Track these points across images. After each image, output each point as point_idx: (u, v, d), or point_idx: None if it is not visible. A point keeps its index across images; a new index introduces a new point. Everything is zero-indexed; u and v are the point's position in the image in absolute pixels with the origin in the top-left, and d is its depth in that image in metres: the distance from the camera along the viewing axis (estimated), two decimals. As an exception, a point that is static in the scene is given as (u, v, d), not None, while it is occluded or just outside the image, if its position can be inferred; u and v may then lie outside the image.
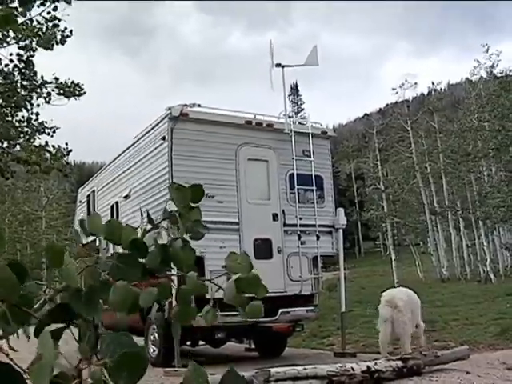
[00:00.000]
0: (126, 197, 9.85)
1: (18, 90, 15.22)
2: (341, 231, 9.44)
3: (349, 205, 49.57)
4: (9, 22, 1.72)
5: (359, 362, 6.21)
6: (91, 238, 1.33)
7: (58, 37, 15.05)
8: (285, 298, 8.61)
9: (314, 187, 9.24)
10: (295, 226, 8.94)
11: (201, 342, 9.53)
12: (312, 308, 9.14)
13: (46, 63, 15.76)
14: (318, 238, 9.11)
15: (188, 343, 9.19)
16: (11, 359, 0.98)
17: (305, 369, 5.66)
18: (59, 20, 14.81)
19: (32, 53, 15.03)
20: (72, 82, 15.71)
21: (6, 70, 15.06)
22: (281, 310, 8.48)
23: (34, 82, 15.33)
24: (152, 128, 8.95)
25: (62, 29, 15.04)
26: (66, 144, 16.01)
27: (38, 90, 15.41)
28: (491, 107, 24.21)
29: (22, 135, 15.53)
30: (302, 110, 59.16)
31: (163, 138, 8.38)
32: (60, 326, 1.12)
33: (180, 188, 1.30)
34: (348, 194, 57.11)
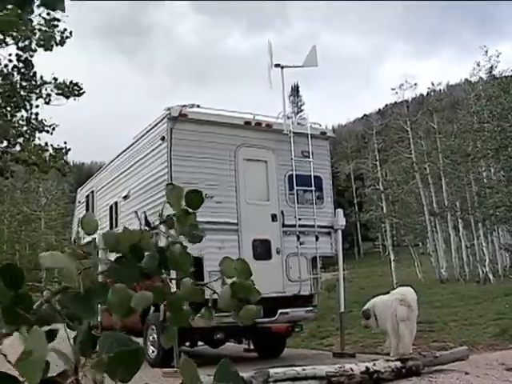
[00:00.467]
0: (125, 197, 9.84)
1: (18, 90, 15.23)
2: (340, 232, 9.44)
3: (348, 205, 49.56)
4: (11, 26, 1.72)
5: (358, 363, 6.22)
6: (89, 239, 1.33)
7: (58, 38, 15.06)
8: (284, 299, 8.61)
9: (313, 188, 9.24)
10: (294, 226, 8.94)
11: (200, 343, 9.52)
12: (311, 308, 9.14)
13: (45, 63, 15.77)
14: (317, 238, 9.10)
15: (187, 344, 9.19)
16: (9, 361, 0.98)
17: (304, 369, 5.66)
18: (58, 21, 14.83)
19: (31, 53, 15.04)
20: (71, 82, 15.73)
21: (5, 70, 15.06)
22: (280, 311, 8.49)
23: (33, 83, 15.34)
24: (151, 128, 8.95)
25: (62, 30, 15.06)
26: (65, 143, 16.03)
27: (38, 91, 15.42)
28: (490, 108, 24.22)
29: (21, 135, 15.53)
30: (302, 110, 59.21)
31: (162, 139, 8.38)
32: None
33: (175, 187, 1.30)
34: (347, 194, 57.08)
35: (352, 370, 5.84)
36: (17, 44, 14.77)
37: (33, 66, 15.23)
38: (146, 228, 1.33)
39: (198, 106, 8.78)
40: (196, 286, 1.30)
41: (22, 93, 15.22)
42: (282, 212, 8.94)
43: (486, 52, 26.36)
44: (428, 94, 37.21)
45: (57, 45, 15.05)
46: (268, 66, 9.55)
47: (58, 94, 15.62)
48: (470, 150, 26.45)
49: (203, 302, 1.34)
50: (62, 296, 1.15)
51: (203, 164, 8.31)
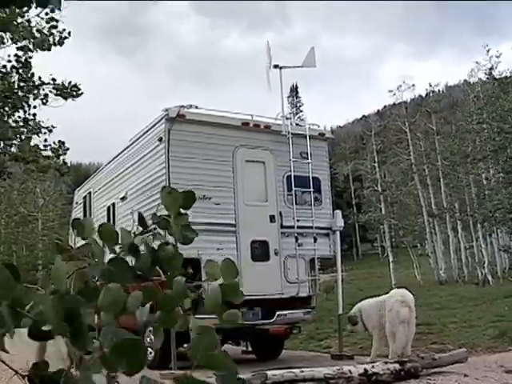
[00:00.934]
0: (123, 198, 9.80)
1: (16, 90, 15.20)
2: (338, 233, 9.43)
3: (346, 207, 49.52)
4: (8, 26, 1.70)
5: (357, 365, 6.20)
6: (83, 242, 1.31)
7: (56, 38, 15.04)
8: (282, 301, 8.59)
9: (312, 189, 9.21)
10: (292, 227, 8.92)
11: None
12: (309, 310, 9.12)
13: (44, 64, 15.75)
14: (315, 240, 9.08)
15: (185, 345, 9.15)
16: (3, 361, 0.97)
17: (302, 371, 5.65)
18: (57, 21, 14.81)
19: (30, 54, 15.02)
20: (69, 83, 15.70)
21: (3, 70, 15.04)
22: (278, 313, 8.47)
23: (32, 83, 15.31)
24: (149, 129, 8.92)
25: (60, 30, 15.04)
26: (64, 143, 16.00)
27: (36, 92, 15.39)
28: (490, 109, 24.20)
29: (18, 135, 15.51)
30: (301, 111, 59.25)
31: (160, 140, 8.35)
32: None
33: (172, 192, 1.28)
34: (345, 195, 57.06)
35: (350, 372, 5.82)
36: (15, 43, 14.75)
37: (31, 67, 15.21)
38: (141, 228, 1.31)
39: (196, 107, 8.76)
40: (188, 286, 1.28)
41: (20, 93, 15.19)
42: (281, 213, 8.92)
43: (488, 51, 26.32)
44: (427, 95, 37.15)
45: (55, 45, 15.04)
46: (266, 68, 9.55)
47: (56, 95, 15.60)
48: (469, 152, 26.46)
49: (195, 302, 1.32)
50: (54, 298, 1.13)
51: (201, 165, 8.29)
